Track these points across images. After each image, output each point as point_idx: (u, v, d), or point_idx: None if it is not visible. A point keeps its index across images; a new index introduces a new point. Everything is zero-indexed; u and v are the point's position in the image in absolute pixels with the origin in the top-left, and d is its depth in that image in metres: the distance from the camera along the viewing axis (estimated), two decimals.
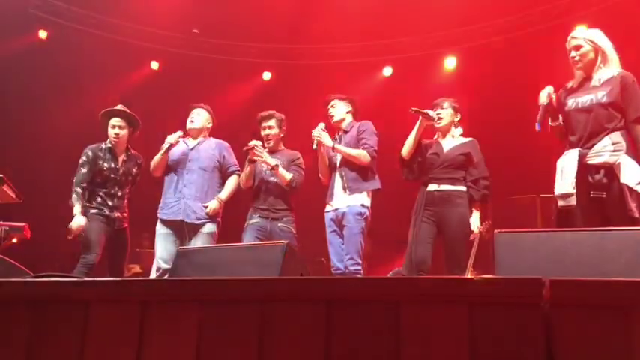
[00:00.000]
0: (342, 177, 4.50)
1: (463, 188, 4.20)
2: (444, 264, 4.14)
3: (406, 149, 4.33)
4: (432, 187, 4.22)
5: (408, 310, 1.54)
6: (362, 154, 4.44)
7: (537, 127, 3.55)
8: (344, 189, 4.46)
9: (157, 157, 4.68)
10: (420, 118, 4.25)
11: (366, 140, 4.51)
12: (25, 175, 7.17)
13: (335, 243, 4.51)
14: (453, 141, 4.36)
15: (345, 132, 4.66)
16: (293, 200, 4.78)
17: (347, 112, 4.73)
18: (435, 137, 4.46)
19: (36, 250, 6.06)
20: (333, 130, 4.76)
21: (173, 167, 4.73)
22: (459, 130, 4.41)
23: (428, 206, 4.18)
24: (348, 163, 4.49)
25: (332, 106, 4.72)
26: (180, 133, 4.73)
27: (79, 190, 4.58)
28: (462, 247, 4.14)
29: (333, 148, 4.47)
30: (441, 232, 4.17)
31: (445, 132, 4.39)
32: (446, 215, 4.14)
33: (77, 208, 4.51)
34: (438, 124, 4.34)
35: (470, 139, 4.37)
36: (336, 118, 4.70)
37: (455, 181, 4.20)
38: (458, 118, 4.41)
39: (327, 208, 4.60)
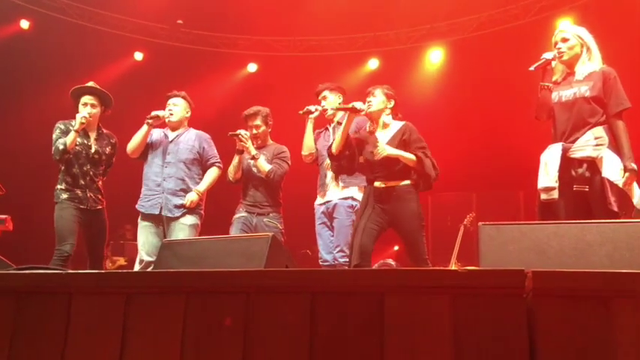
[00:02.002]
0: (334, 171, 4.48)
1: (408, 182, 4.00)
2: (408, 259, 4.05)
3: (335, 145, 4.18)
4: (377, 183, 4.03)
5: (392, 302, 1.55)
6: None
7: (531, 68, 3.58)
8: (337, 182, 4.47)
9: (140, 134, 4.58)
10: (347, 113, 4.14)
11: None
12: (7, 166, 7.09)
13: (324, 235, 4.53)
14: (387, 132, 4.13)
15: (340, 124, 4.63)
16: (281, 195, 4.77)
17: (339, 104, 4.73)
18: (368, 127, 4.24)
19: (18, 243, 6.01)
20: (325, 121, 4.78)
21: (152, 160, 4.66)
22: (389, 118, 4.16)
23: (377, 203, 3.99)
24: None
25: (323, 98, 4.73)
26: (170, 112, 4.67)
27: (55, 148, 4.45)
28: (420, 239, 3.97)
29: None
30: (395, 228, 4.03)
31: (376, 119, 4.15)
32: (397, 213, 3.97)
33: (65, 140, 4.40)
34: (370, 109, 4.12)
35: (403, 122, 4.16)
36: (330, 112, 4.70)
37: (398, 175, 3.99)
38: (391, 105, 4.16)
39: (318, 200, 4.61)
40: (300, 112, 4.63)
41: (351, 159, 4.16)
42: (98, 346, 1.83)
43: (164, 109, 4.75)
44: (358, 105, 4.08)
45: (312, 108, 4.63)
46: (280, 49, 9.49)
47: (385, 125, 4.14)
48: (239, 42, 9.52)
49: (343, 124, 4.16)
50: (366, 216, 3.96)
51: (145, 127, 4.58)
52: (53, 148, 4.49)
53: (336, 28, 8.98)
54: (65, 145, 4.40)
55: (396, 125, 4.13)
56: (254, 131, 4.76)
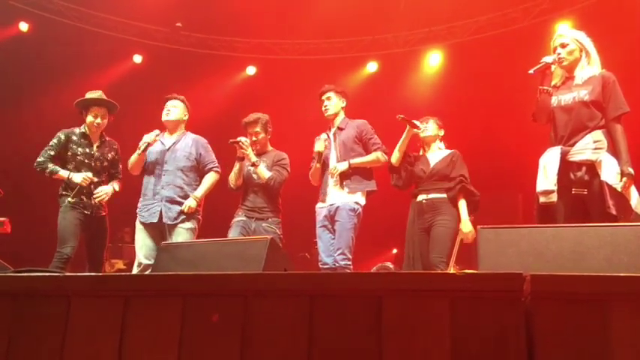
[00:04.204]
0: (338, 176, 4.50)
1: (445, 195, 4.43)
2: (429, 258, 4.23)
3: (395, 156, 4.56)
4: (420, 197, 4.49)
5: (391, 305, 1.55)
6: (379, 156, 4.57)
7: (531, 71, 3.60)
8: (341, 187, 4.48)
9: (134, 157, 4.61)
10: (408, 126, 4.47)
11: (374, 140, 4.63)
12: (6, 168, 7.09)
13: (324, 238, 4.53)
14: (437, 154, 4.61)
15: (340, 129, 4.69)
16: (280, 201, 4.76)
17: (341, 108, 4.76)
18: (421, 152, 4.69)
19: (16, 245, 6.00)
20: (325, 124, 4.78)
21: (150, 168, 4.65)
22: (442, 145, 4.67)
23: (419, 216, 4.44)
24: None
25: (327, 98, 4.75)
26: (157, 132, 4.64)
27: (41, 160, 4.53)
28: (445, 244, 4.30)
29: (350, 165, 4.50)
30: (429, 233, 4.39)
31: (429, 143, 4.64)
32: (433, 218, 4.38)
33: (54, 169, 4.49)
34: (424, 133, 4.59)
35: (452, 150, 4.61)
36: (330, 112, 4.72)
37: (441, 190, 4.43)
38: (442, 133, 4.70)
39: (320, 204, 4.61)
40: (314, 164, 4.66)
41: (411, 172, 4.60)
42: (96, 348, 1.82)
43: (162, 111, 4.76)
44: (418, 122, 4.53)
45: (319, 148, 4.64)
46: (279, 52, 9.50)
47: (438, 149, 4.65)
48: (238, 45, 9.53)
49: (402, 138, 4.55)
50: (417, 238, 4.43)
51: (138, 152, 4.57)
52: (42, 156, 4.54)
53: (335, 31, 9.00)
54: (51, 173, 4.51)
55: (446, 151, 4.65)
56: (254, 138, 4.76)
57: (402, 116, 4.42)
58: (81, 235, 4.52)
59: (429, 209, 4.41)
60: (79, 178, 4.47)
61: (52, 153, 4.55)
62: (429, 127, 4.63)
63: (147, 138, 4.58)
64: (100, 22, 8.92)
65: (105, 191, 4.59)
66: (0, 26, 8.23)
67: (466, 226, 4.32)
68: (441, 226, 4.31)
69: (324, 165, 4.66)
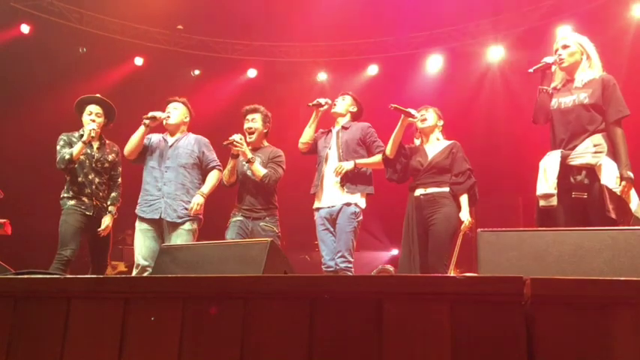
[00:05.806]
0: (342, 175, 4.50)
1: (448, 189, 4.24)
2: (428, 259, 4.16)
3: (390, 148, 4.37)
4: (418, 191, 4.30)
5: (391, 308, 1.55)
6: (382, 159, 4.53)
7: (531, 70, 3.63)
8: (342, 187, 4.47)
9: (137, 134, 4.56)
10: (402, 116, 4.32)
11: (377, 143, 4.61)
12: (6, 170, 7.09)
13: (327, 241, 4.50)
14: (436, 145, 4.40)
15: (345, 128, 4.69)
16: (276, 198, 4.74)
17: (350, 112, 4.78)
18: (419, 142, 4.50)
19: (17, 247, 6.00)
20: (330, 121, 4.80)
21: (152, 165, 4.64)
22: (441, 136, 4.48)
23: (418, 212, 4.25)
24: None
25: (343, 98, 4.80)
26: (168, 114, 4.66)
27: (59, 157, 4.51)
28: (443, 242, 4.15)
29: (356, 164, 4.49)
30: (428, 230, 4.23)
31: (428, 134, 4.45)
32: (432, 215, 4.19)
33: (70, 151, 4.47)
34: (423, 123, 4.41)
35: (452, 141, 4.42)
36: (337, 109, 4.75)
37: (440, 184, 4.25)
38: (441, 124, 4.49)
39: (319, 204, 4.59)
40: (310, 103, 4.66)
41: (406, 165, 4.40)
42: (96, 351, 1.82)
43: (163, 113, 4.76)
44: (413, 111, 4.32)
45: (322, 101, 4.65)
46: (280, 54, 9.51)
47: (436, 140, 4.44)
48: (239, 47, 9.54)
49: (397, 128, 4.36)
50: (414, 235, 4.24)
51: (142, 128, 4.55)
52: (58, 157, 4.53)
53: (336, 33, 9.01)
54: (71, 155, 4.45)
55: (445, 142, 4.42)
56: (249, 124, 4.74)
57: (394, 105, 4.28)
58: (83, 238, 4.52)
59: (428, 204, 4.22)
60: (87, 129, 4.49)
61: (67, 149, 4.54)
62: (429, 117, 4.42)
63: (155, 113, 4.58)
64: (101, 24, 8.93)
65: (106, 224, 4.60)
66: (1, 28, 8.25)
67: (466, 215, 4.18)
68: (440, 224, 4.14)
69: (319, 159, 4.66)
